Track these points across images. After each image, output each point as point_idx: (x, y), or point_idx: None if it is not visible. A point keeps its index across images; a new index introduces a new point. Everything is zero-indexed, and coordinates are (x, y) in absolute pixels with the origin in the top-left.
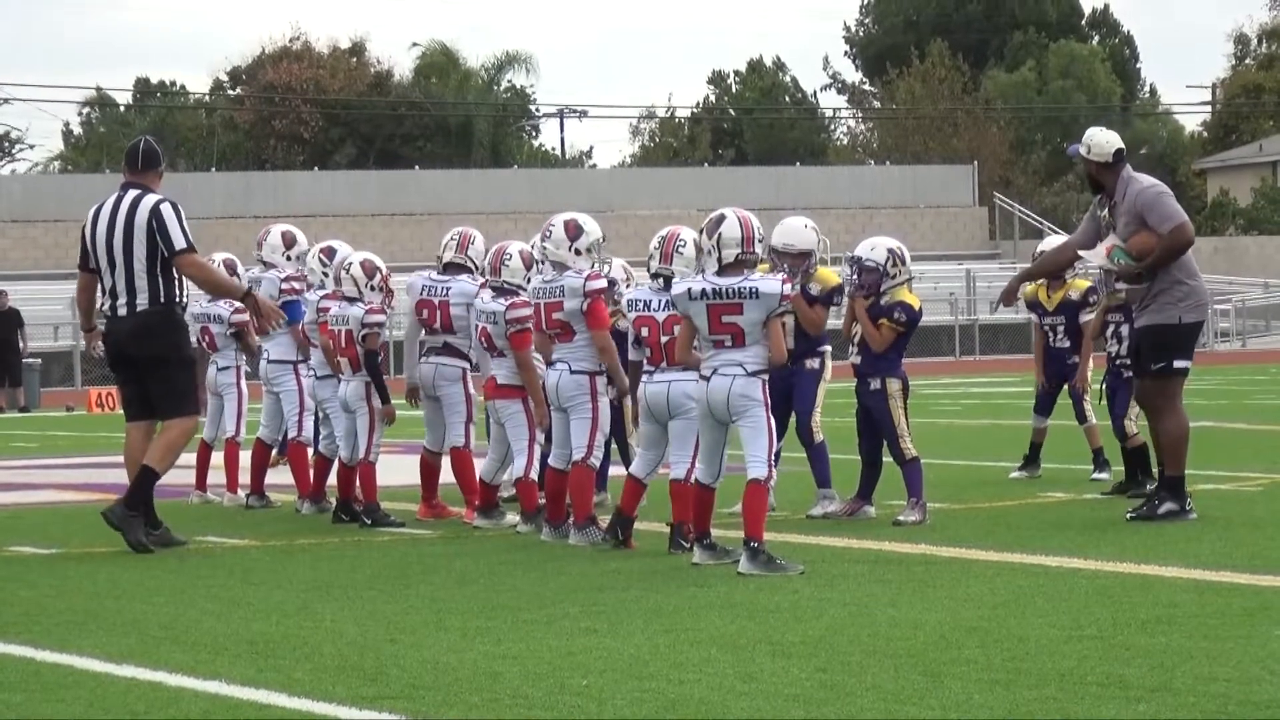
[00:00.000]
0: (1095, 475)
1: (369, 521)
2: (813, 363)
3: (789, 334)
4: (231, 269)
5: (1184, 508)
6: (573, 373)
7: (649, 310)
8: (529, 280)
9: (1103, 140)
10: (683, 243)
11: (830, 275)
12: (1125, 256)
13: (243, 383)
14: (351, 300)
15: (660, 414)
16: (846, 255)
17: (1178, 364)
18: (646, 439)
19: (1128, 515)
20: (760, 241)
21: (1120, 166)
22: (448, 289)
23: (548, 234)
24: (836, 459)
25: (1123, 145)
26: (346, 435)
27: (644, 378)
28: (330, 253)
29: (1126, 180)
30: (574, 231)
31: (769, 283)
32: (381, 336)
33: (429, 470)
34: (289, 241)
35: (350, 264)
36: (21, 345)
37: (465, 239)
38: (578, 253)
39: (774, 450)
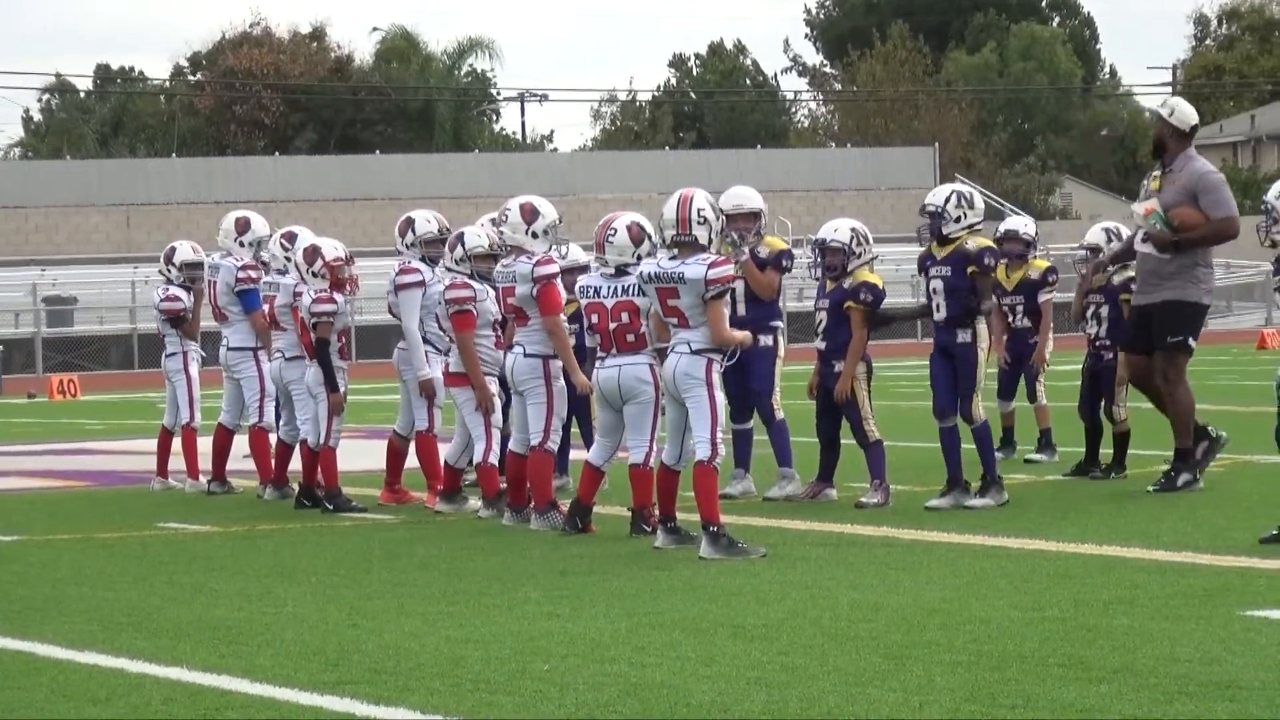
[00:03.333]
0: (1032, 456)
1: (330, 507)
2: (766, 339)
3: (739, 301)
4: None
5: (1196, 477)
6: (526, 356)
7: (598, 296)
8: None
9: (1186, 110)
10: (613, 231)
11: (778, 240)
12: (1164, 223)
13: (191, 368)
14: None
15: (614, 399)
16: (809, 238)
17: (1192, 341)
18: (603, 426)
19: (1151, 488)
20: (703, 223)
21: (1189, 141)
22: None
23: (504, 218)
24: (796, 440)
25: (1197, 122)
26: (314, 420)
27: (596, 363)
28: (291, 238)
29: (1189, 157)
30: (530, 215)
31: (694, 267)
32: (334, 325)
33: (395, 455)
34: (241, 227)
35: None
36: None
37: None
38: (534, 236)
39: (720, 431)
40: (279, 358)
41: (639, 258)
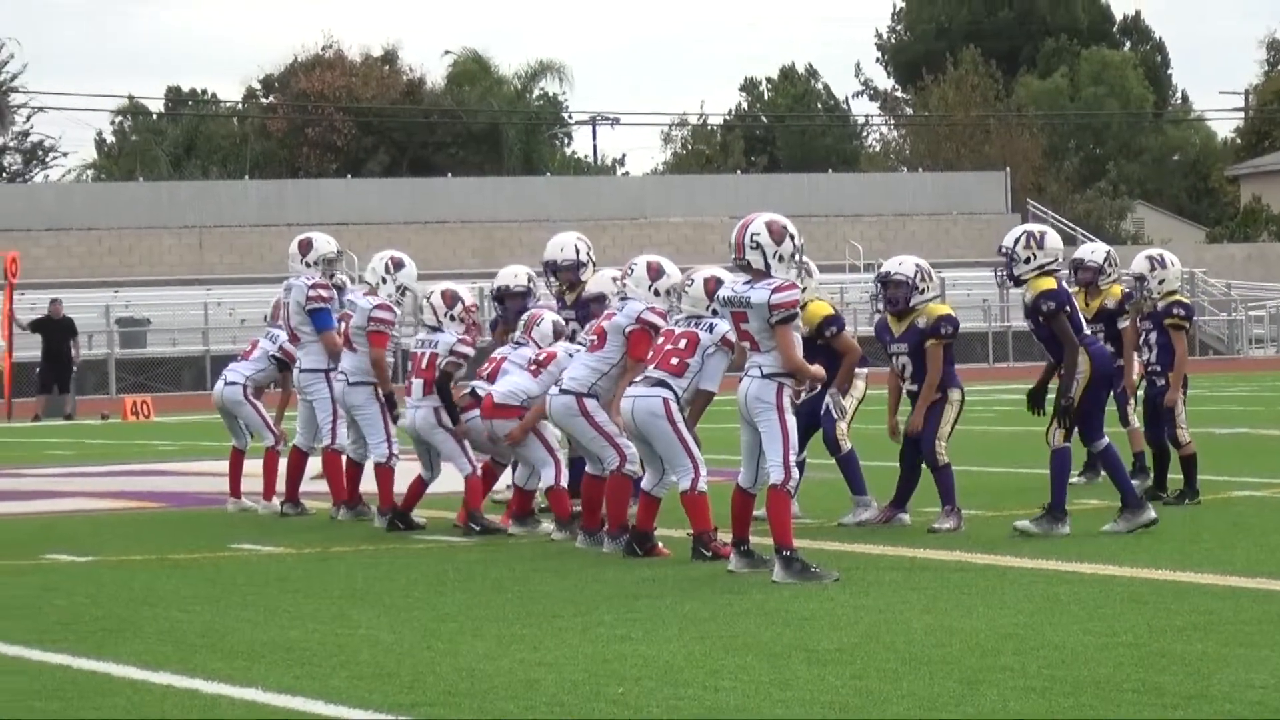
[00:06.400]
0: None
1: (402, 527)
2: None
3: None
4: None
5: None
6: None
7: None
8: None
9: None
10: (690, 282)
11: (824, 306)
12: None
13: (249, 393)
14: (433, 329)
15: (632, 431)
16: (879, 263)
17: None
18: (643, 456)
19: None
20: (755, 248)
21: None
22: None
23: (629, 271)
24: (869, 465)
25: None
26: (387, 441)
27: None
28: (398, 264)
29: None
30: (655, 273)
31: (760, 291)
32: (463, 367)
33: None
34: (304, 248)
35: (431, 293)
36: (74, 354)
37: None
38: (655, 294)
39: (793, 455)
40: (341, 380)
41: (714, 312)
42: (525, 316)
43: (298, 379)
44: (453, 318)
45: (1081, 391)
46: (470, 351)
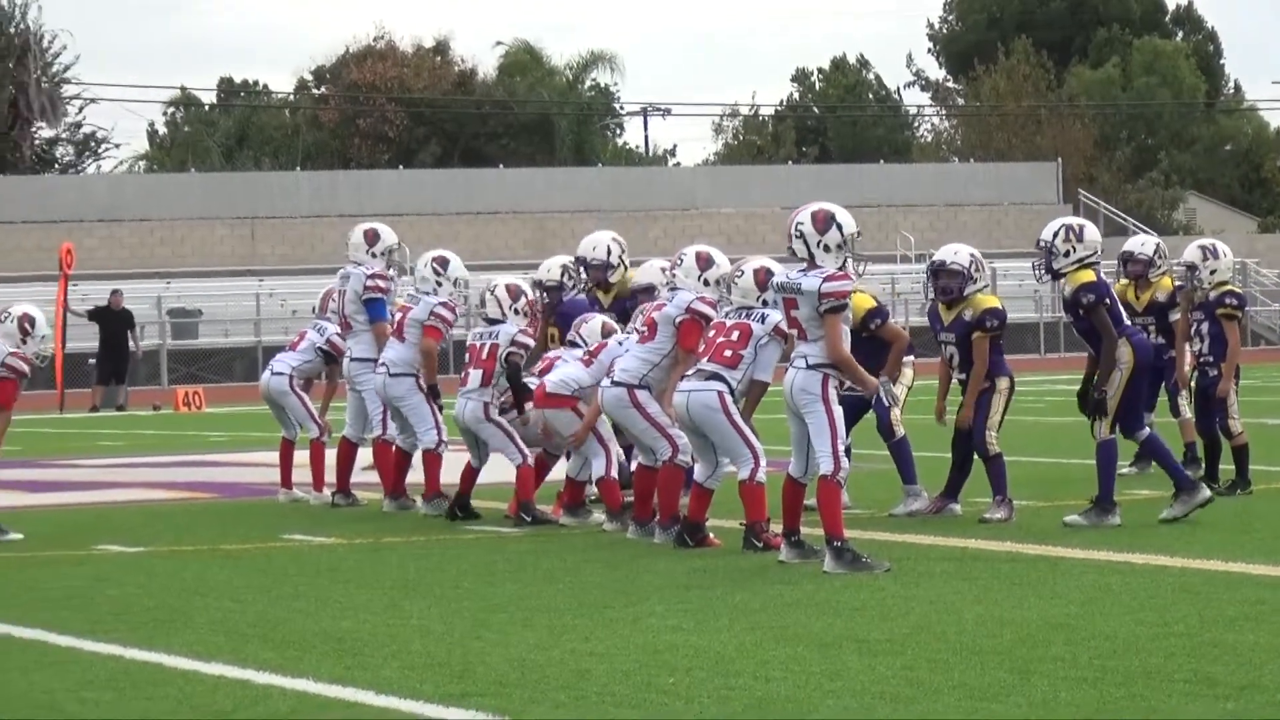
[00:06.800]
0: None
1: (461, 515)
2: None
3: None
4: None
5: None
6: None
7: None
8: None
9: None
10: (740, 273)
11: (866, 299)
12: None
13: (295, 384)
14: (494, 321)
15: (687, 424)
16: (930, 254)
17: None
18: (695, 448)
19: None
20: (799, 237)
21: None
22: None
23: (679, 261)
24: (920, 455)
25: None
26: (436, 429)
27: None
28: (444, 263)
29: None
30: (705, 263)
31: (811, 279)
32: (524, 358)
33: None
34: (371, 239)
35: (495, 286)
36: (133, 346)
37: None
38: (705, 283)
39: (841, 444)
40: (383, 371)
41: (764, 302)
42: (575, 321)
43: (348, 369)
44: (516, 310)
45: (1125, 382)
46: (531, 343)
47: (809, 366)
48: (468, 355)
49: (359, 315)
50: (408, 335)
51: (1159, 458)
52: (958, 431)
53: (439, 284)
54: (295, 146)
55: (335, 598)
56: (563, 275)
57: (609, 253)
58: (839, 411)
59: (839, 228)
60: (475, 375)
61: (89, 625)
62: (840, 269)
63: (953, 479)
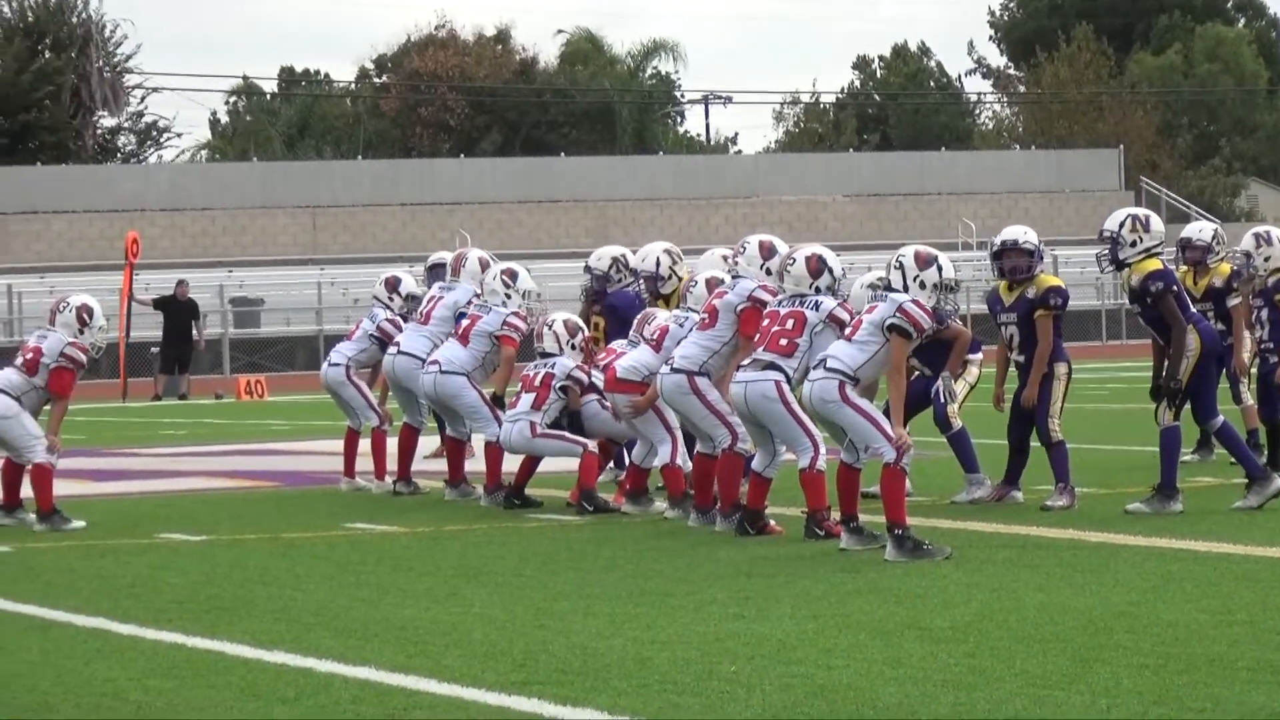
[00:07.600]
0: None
1: (519, 504)
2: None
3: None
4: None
5: None
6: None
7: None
8: None
9: None
10: (792, 261)
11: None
12: None
13: (352, 374)
14: (546, 355)
15: (745, 414)
16: (992, 240)
17: None
18: (753, 438)
19: None
20: (898, 267)
21: None
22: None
23: (742, 249)
24: (980, 443)
25: None
26: (490, 421)
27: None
28: (513, 275)
29: None
30: (768, 252)
31: (901, 294)
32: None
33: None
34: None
35: (553, 321)
36: (196, 336)
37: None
38: (767, 272)
39: (889, 428)
40: (434, 369)
41: (817, 289)
42: (638, 320)
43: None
44: (573, 346)
45: (1192, 369)
46: (585, 380)
47: (826, 370)
48: (520, 383)
49: (448, 329)
50: (472, 342)
51: (1231, 446)
52: (1014, 415)
53: (509, 295)
54: (357, 135)
55: (397, 586)
56: (611, 266)
57: (658, 264)
58: (865, 401)
59: (939, 269)
60: (526, 399)
61: (151, 614)
62: (933, 308)
63: (1012, 465)
